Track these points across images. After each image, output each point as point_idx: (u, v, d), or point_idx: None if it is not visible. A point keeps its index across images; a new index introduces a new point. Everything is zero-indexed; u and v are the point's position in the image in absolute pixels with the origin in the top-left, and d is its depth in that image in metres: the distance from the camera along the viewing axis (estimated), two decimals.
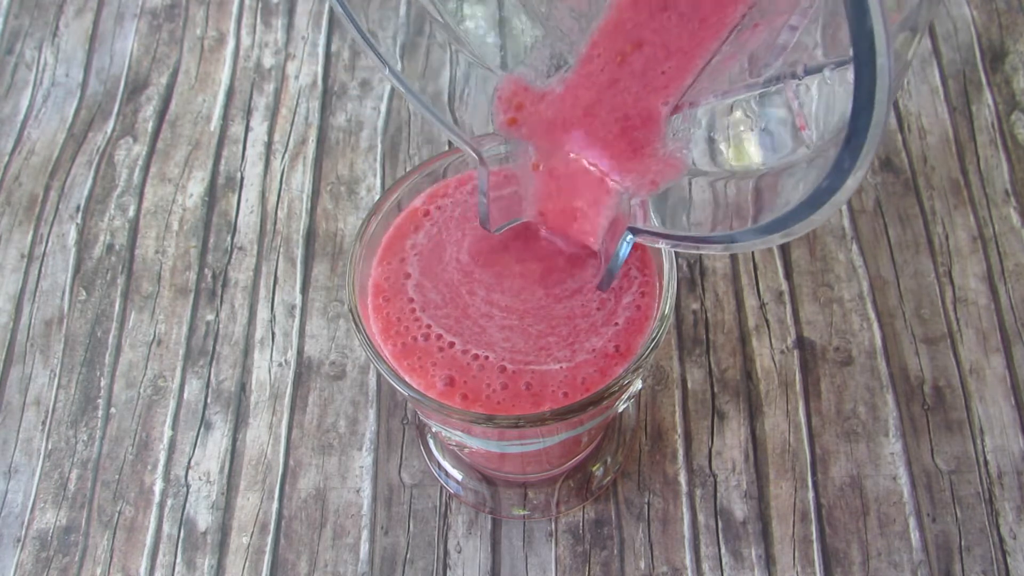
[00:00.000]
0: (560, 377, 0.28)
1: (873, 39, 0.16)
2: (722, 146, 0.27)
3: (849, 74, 0.20)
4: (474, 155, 0.28)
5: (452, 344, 0.28)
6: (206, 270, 0.44)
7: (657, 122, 0.25)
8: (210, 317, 0.43)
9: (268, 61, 0.50)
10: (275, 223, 0.45)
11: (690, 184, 0.27)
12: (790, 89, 0.24)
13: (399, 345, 0.29)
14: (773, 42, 0.24)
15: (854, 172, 0.18)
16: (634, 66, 0.24)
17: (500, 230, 0.30)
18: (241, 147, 0.47)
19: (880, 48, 0.16)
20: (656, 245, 0.27)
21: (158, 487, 0.40)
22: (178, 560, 0.38)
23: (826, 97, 0.23)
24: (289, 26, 0.51)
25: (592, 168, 0.27)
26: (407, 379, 0.28)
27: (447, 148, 0.46)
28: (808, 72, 0.23)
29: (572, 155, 0.27)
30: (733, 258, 0.44)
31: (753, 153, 0.27)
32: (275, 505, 0.39)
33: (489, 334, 0.29)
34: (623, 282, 0.30)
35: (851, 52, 0.17)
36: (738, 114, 0.26)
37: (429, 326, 0.29)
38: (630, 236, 0.27)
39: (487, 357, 0.28)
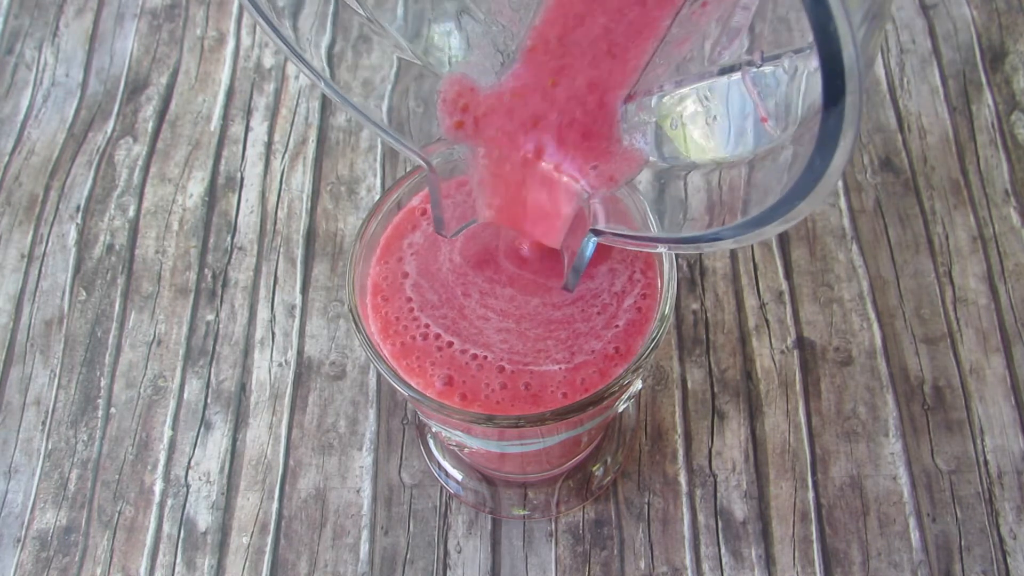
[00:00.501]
0: (559, 378, 0.28)
1: (840, 47, 0.15)
2: (679, 137, 0.26)
3: (809, 62, 0.19)
4: (423, 164, 0.27)
5: (451, 344, 0.28)
6: (206, 270, 0.44)
7: (610, 114, 0.24)
8: (210, 317, 0.43)
9: (268, 61, 0.50)
10: (275, 223, 0.45)
11: (685, 180, 0.26)
12: (747, 77, 0.23)
13: (398, 345, 0.29)
14: (726, 24, 0.23)
15: (828, 172, 0.18)
16: (579, 56, 0.23)
17: (456, 234, 0.29)
18: (241, 147, 0.47)
19: (848, 56, 0.15)
20: (624, 247, 0.26)
21: (158, 487, 0.40)
22: (178, 560, 0.38)
23: (786, 86, 0.22)
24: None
25: (546, 167, 0.26)
26: (406, 379, 0.28)
27: None
28: (766, 60, 0.22)
29: (524, 155, 0.26)
30: (733, 258, 0.44)
31: (712, 145, 0.25)
32: (275, 505, 0.39)
33: (486, 335, 0.29)
34: (627, 285, 0.29)
35: (808, 39, 0.16)
36: (695, 104, 0.25)
37: (428, 325, 0.29)
38: (594, 239, 0.26)
39: (485, 357, 0.28)
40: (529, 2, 0.23)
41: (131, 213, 0.46)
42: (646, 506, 0.39)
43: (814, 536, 0.38)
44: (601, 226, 0.26)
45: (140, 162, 0.47)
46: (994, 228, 0.44)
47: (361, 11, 0.27)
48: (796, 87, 0.22)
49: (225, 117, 0.48)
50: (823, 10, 0.15)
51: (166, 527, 0.39)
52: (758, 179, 0.23)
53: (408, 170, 0.42)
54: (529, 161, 0.26)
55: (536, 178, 0.26)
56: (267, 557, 0.38)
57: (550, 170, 0.25)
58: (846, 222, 0.44)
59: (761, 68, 0.23)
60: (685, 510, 0.38)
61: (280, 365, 0.42)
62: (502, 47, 0.25)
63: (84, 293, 0.44)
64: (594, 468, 0.39)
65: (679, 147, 0.26)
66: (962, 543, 0.38)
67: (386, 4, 0.27)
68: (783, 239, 0.44)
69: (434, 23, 0.27)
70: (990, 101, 0.47)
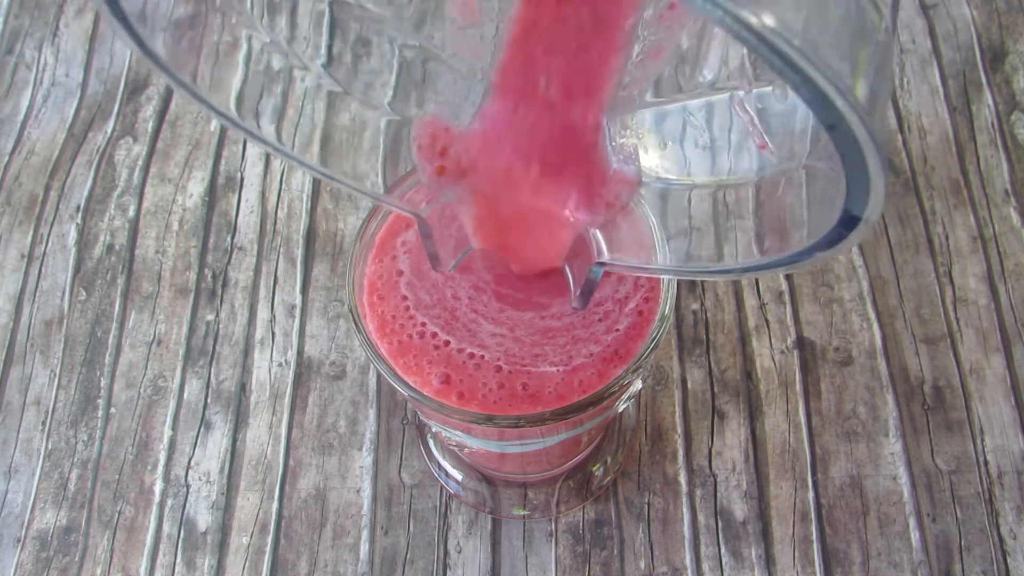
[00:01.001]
0: (557, 379, 0.28)
1: (869, 179, 0.15)
2: (672, 158, 0.25)
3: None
4: (414, 217, 0.26)
5: (447, 343, 0.28)
6: (206, 270, 0.44)
7: (592, 137, 0.23)
8: (210, 317, 0.43)
9: None
10: (275, 223, 0.45)
11: (689, 203, 0.25)
12: (735, 102, 0.22)
13: (395, 343, 0.28)
14: (702, 35, 0.22)
15: (863, 223, 0.17)
16: (549, 81, 0.22)
17: (454, 267, 0.28)
18: (241, 147, 0.47)
19: (875, 173, 0.15)
20: (634, 274, 0.26)
21: (158, 487, 0.40)
22: (178, 560, 0.38)
23: (782, 110, 0.21)
24: (291, 26, 0.51)
25: (537, 201, 0.24)
26: (403, 377, 0.28)
27: None
28: (755, 85, 0.22)
29: (512, 191, 0.24)
30: None
31: (708, 166, 0.24)
32: (275, 505, 0.39)
33: (481, 337, 0.28)
34: (630, 292, 0.29)
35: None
36: (685, 124, 0.24)
37: (424, 324, 0.29)
38: (600, 270, 0.25)
39: (483, 356, 0.28)
40: (492, 34, 0.22)
41: (131, 213, 0.46)
42: (646, 506, 0.39)
43: (814, 536, 0.38)
44: (605, 257, 0.25)
45: (140, 162, 0.47)
46: (994, 228, 0.44)
47: (339, 88, 0.27)
48: (793, 112, 0.21)
49: None
50: (845, 133, 0.15)
51: (166, 527, 0.39)
52: (772, 207, 0.22)
53: (409, 170, 0.42)
54: (519, 197, 0.25)
55: (529, 213, 0.25)
56: (267, 557, 0.38)
57: (542, 203, 0.24)
58: None
59: (750, 93, 0.22)
60: (685, 510, 0.38)
61: (280, 365, 0.42)
62: (470, 83, 0.24)
63: (84, 293, 0.44)
64: (594, 468, 0.39)
65: (673, 167, 0.25)
66: (962, 543, 0.38)
67: (372, 83, 0.27)
68: None
69: (405, 76, 0.27)
70: (990, 101, 0.47)
